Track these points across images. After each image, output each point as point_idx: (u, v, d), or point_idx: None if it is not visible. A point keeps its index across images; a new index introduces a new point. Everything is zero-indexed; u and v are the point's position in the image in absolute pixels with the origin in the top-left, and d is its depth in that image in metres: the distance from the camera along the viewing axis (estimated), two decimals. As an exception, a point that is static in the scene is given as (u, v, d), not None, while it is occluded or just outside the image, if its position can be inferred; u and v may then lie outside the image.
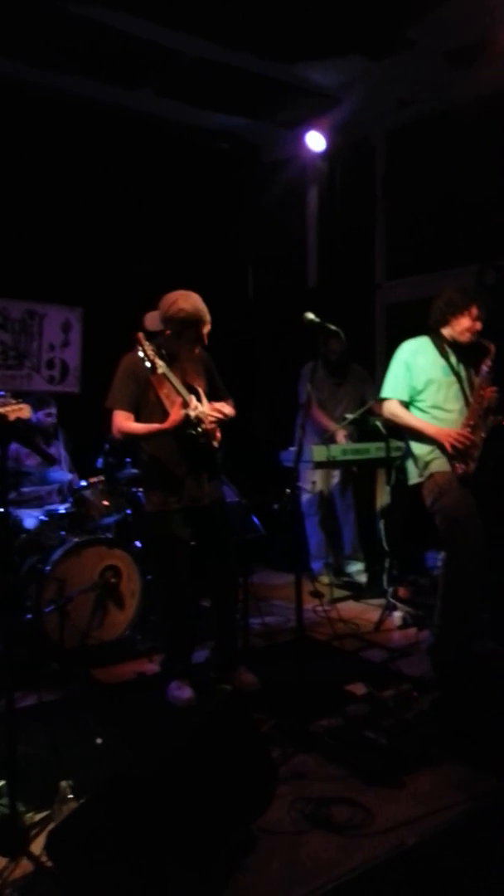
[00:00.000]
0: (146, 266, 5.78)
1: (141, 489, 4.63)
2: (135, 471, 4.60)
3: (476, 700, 3.07)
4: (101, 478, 4.37)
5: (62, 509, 4.32)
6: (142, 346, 3.21)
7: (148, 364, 3.19)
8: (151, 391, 3.34)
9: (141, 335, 3.24)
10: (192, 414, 3.28)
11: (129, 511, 4.47)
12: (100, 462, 4.49)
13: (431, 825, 2.47)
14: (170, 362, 3.31)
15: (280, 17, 4.53)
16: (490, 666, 3.54)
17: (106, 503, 4.33)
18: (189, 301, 3.35)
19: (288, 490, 3.17)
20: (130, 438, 3.40)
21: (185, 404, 3.27)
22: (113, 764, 2.79)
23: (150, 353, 3.20)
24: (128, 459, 4.62)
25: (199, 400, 3.41)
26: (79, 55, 4.98)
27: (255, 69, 5.18)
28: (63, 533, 4.16)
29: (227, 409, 3.52)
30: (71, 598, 3.86)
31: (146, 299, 5.67)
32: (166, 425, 3.25)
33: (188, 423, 3.28)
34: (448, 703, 3.08)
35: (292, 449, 4.55)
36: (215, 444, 3.46)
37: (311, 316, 3.29)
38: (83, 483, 4.37)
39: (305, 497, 5.32)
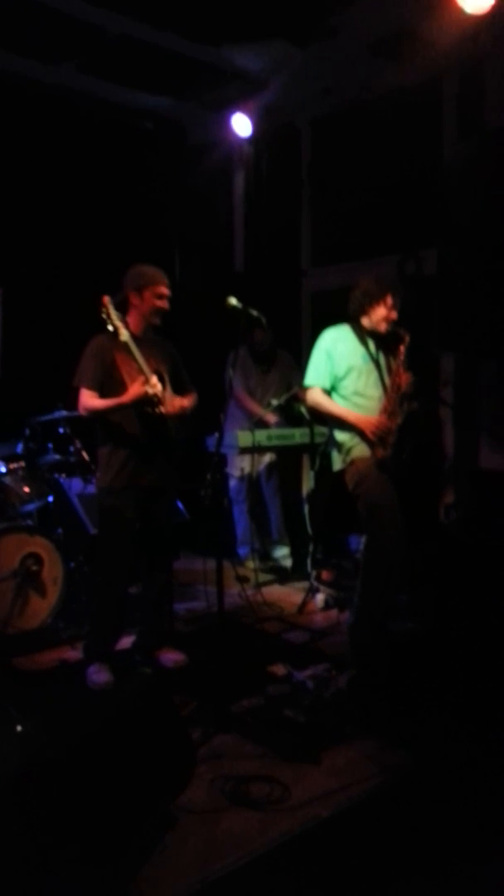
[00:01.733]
0: (69, 247, 5.68)
1: (63, 475, 4.59)
2: (57, 456, 4.54)
3: (390, 677, 3.18)
4: (22, 464, 4.30)
5: (-19, 496, 4.23)
6: (106, 308, 3.27)
7: (111, 328, 3.25)
8: (116, 371, 3.38)
9: (107, 298, 3.29)
10: (151, 391, 3.29)
11: (50, 498, 4.41)
12: (20, 447, 4.41)
13: (345, 798, 2.57)
14: (139, 344, 3.36)
15: (205, -2, 4.49)
16: (405, 644, 3.66)
17: (27, 490, 4.26)
18: (147, 265, 3.50)
19: (209, 476, 3.20)
20: (94, 415, 3.41)
21: (146, 381, 3.29)
22: (31, 749, 2.77)
23: (115, 318, 3.26)
24: (50, 445, 4.56)
25: (164, 384, 3.43)
26: (-2, 28, 4.82)
27: (180, 49, 5.12)
28: (-18, 520, 4.08)
29: (186, 402, 3.55)
30: (-9, 585, 3.80)
31: (70, 281, 5.63)
32: (125, 398, 3.30)
33: (146, 400, 3.31)
34: (363, 680, 3.18)
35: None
36: (172, 429, 3.48)
37: (233, 301, 3.31)
38: (2, 469, 4.29)
39: (233, 483, 5.37)
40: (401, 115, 5.24)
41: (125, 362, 3.37)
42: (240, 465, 5.25)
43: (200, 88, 5.71)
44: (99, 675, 3.42)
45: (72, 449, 4.61)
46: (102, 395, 3.38)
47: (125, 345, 3.29)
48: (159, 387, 3.35)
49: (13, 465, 4.28)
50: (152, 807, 2.38)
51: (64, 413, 4.51)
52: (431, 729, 2.89)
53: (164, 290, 3.46)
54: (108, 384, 3.38)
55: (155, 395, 3.31)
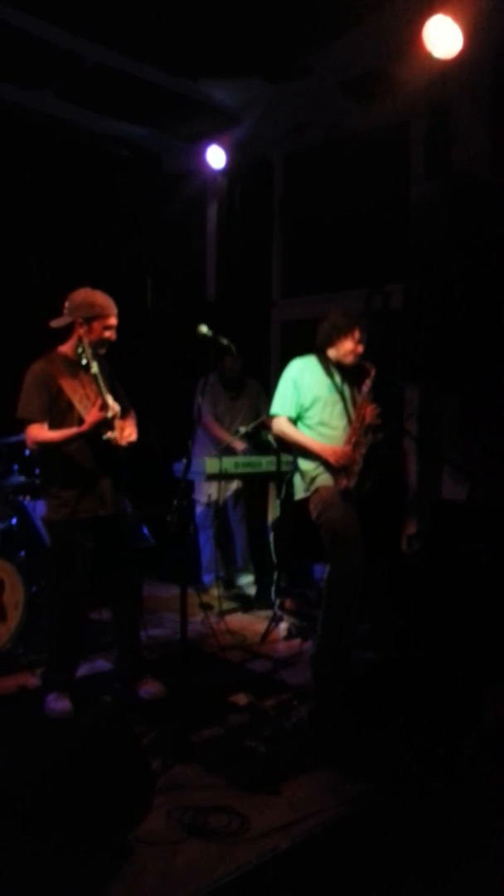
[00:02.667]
0: (42, 271, 5.69)
1: (27, 497, 4.55)
2: (21, 478, 4.51)
3: (350, 708, 3.19)
4: (-14, 486, 4.26)
5: None
6: (81, 343, 3.23)
7: (84, 361, 3.19)
8: (63, 397, 3.31)
9: (83, 331, 3.28)
10: (110, 414, 3.25)
11: (14, 520, 4.37)
12: (-16, 470, 4.38)
13: (304, 829, 2.56)
14: (78, 368, 3.32)
15: (182, 32, 4.58)
16: (366, 674, 3.67)
17: (-10, 512, 4.22)
18: (98, 294, 3.41)
19: (176, 502, 3.20)
20: (46, 448, 3.33)
21: (104, 406, 3.24)
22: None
23: (89, 352, 3.22)
24: (15, 466, 4.52)
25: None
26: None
27: (157, 81, 5.20)
28: None
29: (134, 434, 3.49)
30: (-50, 609, 3.74)
31: (42, 304, 5.61)
32: (84, 427, 3.22)
33: (105, 423, 3.25)
34: (325, 710, 3.18)
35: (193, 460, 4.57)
36: (120, 453, 3.43)
37: (204, 329, 3.34)
38: (-34, 491, 4.25)
39: (200, 509, 5.36)
40: (370, 153, 5.37)
41: (70, 386, 3.31)
42: (207, 492, 5.26)
43: (176, 120, 5.81)
44: (57, 703, 3.37)
45: (37, 471, 4.57)
46: (50, 425, 3.31)
47: (94, 377, 3.24)
48: (117, 407, 3.32)
49: (-23, 488, 4.24)
50: (109, 838, 2.35)
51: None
52: (391, 760, 2.90)
53: (112, 322, 3.40)
54: (55, 411, 3.31)
55: (115, 416, 3.27)
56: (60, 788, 2.27)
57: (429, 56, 4.18)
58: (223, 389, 5.41)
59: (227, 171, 6.12)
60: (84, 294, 3.40)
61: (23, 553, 4.37)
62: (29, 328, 5.42)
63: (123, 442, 3.38)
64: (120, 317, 3.48)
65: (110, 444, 3.31)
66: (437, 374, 3.99)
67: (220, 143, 5.88)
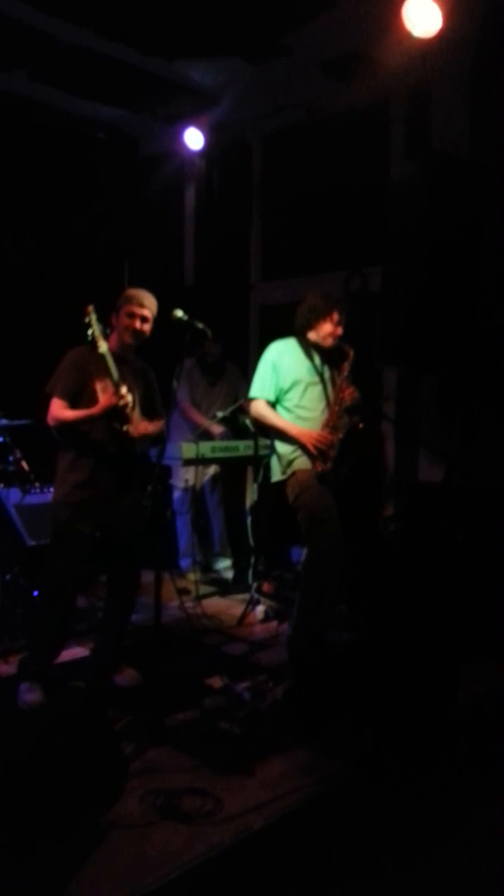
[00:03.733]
0: (17, 255, 5.61)
1: (1, 485, 4.50)
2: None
3: (324, 688, 3.19)
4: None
5: None
6: (89, 317, 3.26)
7: (89, 336, 3.23)
8: (91, 384, 3.34)
9: (91, 307, 3.28)
10: (121, 402, 3.25)
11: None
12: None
13: (277, 809, 2.56)
14: (117, 362, 3.34)
15: (159, 12, 4.50)
16: (342, 655, 3.68)
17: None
18: (138, 289, 3.51)
19: (150, 487, 3.17)
20: (62, 426, 3.34)
21: (116, 392, 3.26)
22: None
23: (96, 328, 3.25)
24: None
25: (133, 405, 3.39)
26: None
27: (133, 62, 5.12)
28: None
29: (151, 427, 3.50)
30: None
31: (19, 289, 5.55)
32: (95, 409, 3.26)
33: (116, 411, 3.26)
34: (299, 691, 3.18)
35: (168, 445, 4.53)
36: (137, 446, 3.44)
37: (179, 313, 3.31)
38: None
39: (177, 494, 5.34)
40: (350, 134, 5.34)
41: (101, 378, 3.33)
42: (184, 477, 5.23)
43: (153, 101, 5.72)
44: (29, 694, 3.32)
45: (11, 458, 4.53)
46: (73, 407, 3.33)
47: (102, 357, 3.27)
48: (129, 398, 3.31)
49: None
50: (81, 821, 2.33)
51: (4, 422, 4.43)
52: (365, 739, 2.91)
53: (135, 310, 3.41)
54: (81, 397, 3.34)
55: (126, 405, 3.27)
56: (31, 773, 2.25)
57: (408, 35, 4.14)
58: (202, 374, 5.38)
59: (205, 153, 6.05)
60: (128, 289, 3.52)
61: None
62: (4, 311, 5.40)
63: (136, 433, 3.37)
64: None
65: (123, 435, 3.33)
66: (414, 356, 3.98)
67: (199, 125, 5.81)
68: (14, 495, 4.45)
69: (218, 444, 5.00)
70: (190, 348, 4.37)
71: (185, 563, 5.35)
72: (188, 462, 4.80)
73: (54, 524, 3.44)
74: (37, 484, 4.53)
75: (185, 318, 3.31)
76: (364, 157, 5.26)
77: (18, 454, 4.53)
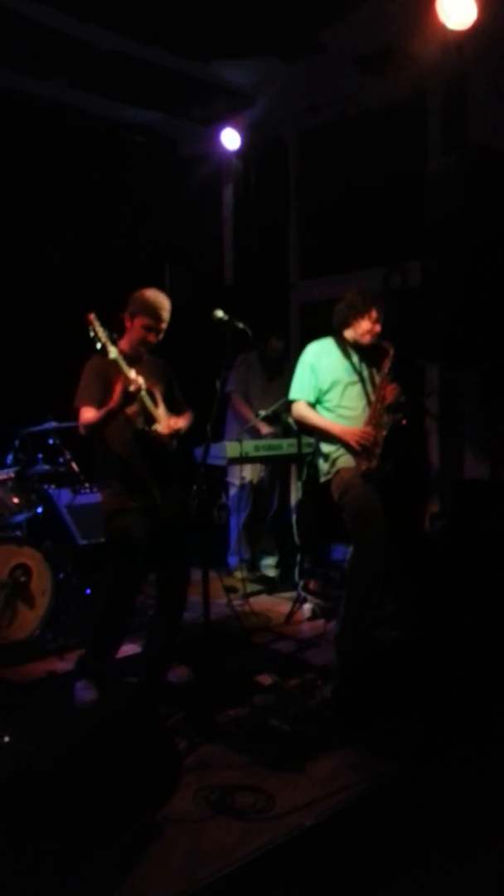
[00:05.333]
0: (60, 259, 5.72)
1: (52, 485, 4.62)
2: (46, 467, 4.56)
3: (374, 686, 3.21)
4: (11, 474, 4.31)
5: (-30, 507, 4.25)
6: (93, 325, 3.22)
7: (99, 346, 3.21)
8: (113, 389, 3.34)
9: (92, 315, 3.25)
10: (132, 388, 3.23)
11: (39, 509, 4.43)
12: (10, 459, 4.44)
13: (329, 806, 2.58)
14: (131, 363, 3.36)
15: (193, 14, 4.55)
16: (390, 653, 3.69)
17: (16, 500, 4.27)
18: (153, 292, 3.45)
19: (195, 486, 3.22)
20: (92, 429, 3.38)
21: (126, 379, 3.25)
22: (17, 760, 2.78)
23: (102, 335, 3.22)
24: (39, 456, 4.58)
25: (154, 402, 3.43)
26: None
27: (169, 65, 5.18)
28: (-29, 531, 4.10)
29: (182, 422, 3.53)
30: (-21, 597, 3.81)
31: (60, 293, 5.66)
32: (112, 404, 3.26)
33: (131, 398, 3.25)
34: (348, 689, 3.20)
35: (213, 445, 4.58)
36: (169, 444, 3.47)
37: (220, 313, 3.34)
38: (-8, 480, 4.31)
39: (233, 492, 5.37)
40: (386, 129, 5.31)
41: (120, 382, 3.32)
42: (240, 474, 5.25)
43: (189, 103, 5.78)
44: (86, 692, 3.39)
45: (61, 460, 4.64)
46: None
47: (114, 362, 3.27)
48: (140, 380, 3.29)
49: (2, 477, 4.29)
50: (138, 816, 2.39)
51: (54, 424, 4.54)
52: (415, 737, 2.91)
53: (151, 323, 3.41)
54: (106, 403, 3.36)
55: (138, 388, 3.25)
56: (88, 769, 2.31)
57: (443, 27, 4.10)
58: (261, 369, 5.40)
59: (241, 153, 6.08)
60: (142, 292, 3.46)
61: (49, 541, 4.43)
62: (49, 315, 5.51)
63: (167, 431, 3.40)
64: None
65: (151, 438, 3.35)
66: (457, 351, 3.95)
67: (235, 125, 5.84)
68: (65, 496, 4.56)
69: (262, 442, 5.03)
70: (231, 346, 4.41)
71: (232, 560, 5.40)
72: (233, 461, 4.84)
73: (108, 531, 3.51)
74: (86, 484, 4.64)
75: (226, 318, 3.33)
76: (400, 151, 5.22)
77: (68, 455, 4.64)
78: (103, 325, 3.27)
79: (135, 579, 3.45)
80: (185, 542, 3.57)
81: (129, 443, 3.40)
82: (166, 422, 3.44)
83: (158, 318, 3.41)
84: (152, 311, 3.40)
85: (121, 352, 3.38)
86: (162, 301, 3.43)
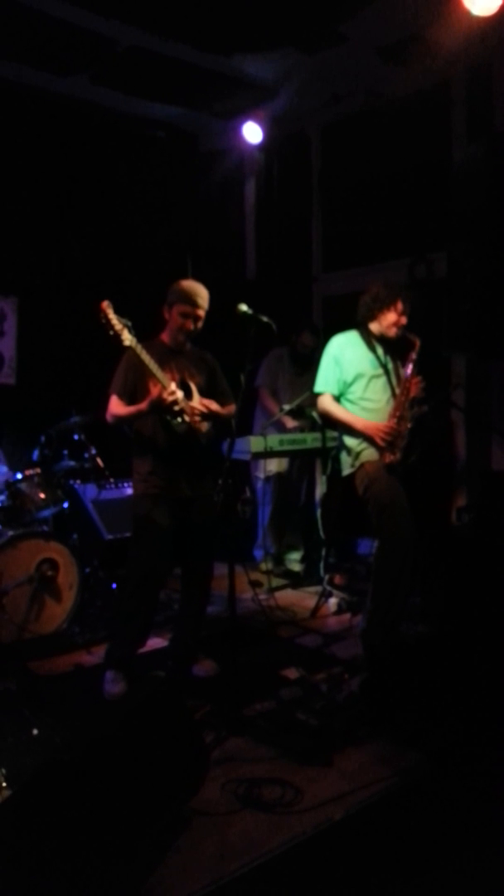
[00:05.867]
0: (83, 255, 5.75)
1: (78, 481, 4.65)
2: (72, 463, 4.59)
3: (401, 680, 3.19)
4: (38, 470, 4.35)
5: (-3, 503, 4.29)
6: (105, 314, 3.18)
7: (111, 333, 3.19)
8: (145, 382, 3.38)
9: (105, 303, 3.20)
10: (169, 399, 3.26)
11: (66, 504, 4.46)
12: (35, 454, 4.47)
13: (357, 800, 2.57)
14: (172, 354, 3.39)
15: (214, 8, 4.54)
16: (417, 647, 3.66)
17: (42, 496, 4.31)
18: (188, 281, 3.49)
19: (220, 481, 3.22)
20: (118, 422, 3.44)
21: (164, 389, 3.27)
22: (47, 752, 2.81)
23: (116, 323, 3.19)
24: (65, 452, 4.61)
25: (189, 396, 3.43)
26: (11, 41, 4.90)
27: (191, 59, 5.18)
28: (-2, 526, 4.14)
29: (215, 405, 3.51)
30: (7, 591, 3.85)
31: (83, 288, 5.68)
32: (143, 405, 3.29)
33: (166, 407, 3.27)
34: (375, 683, 3.19)
35: (238, 439, 4.57)
36: (202, 438, 3.47)
37: (244, 308, 3.33)
38: (18, 476, 4.34)
39: (259, 485, 5.37)
40: (410, 119, 5.26)
41: (153, 376, 3.35)
42: (266, 467, 5.24)
43: (211, 97, 5.78)
44: (114, 685, 3.42)
45: (86, 455, 4.67)
46: (131, 404, 3.40)
47: (130, 349, 3.26)
48: (179, 394, 3.31)
49: (29, 472, 4.33)
50: (166, 809, 2.40)
51: (78, 419, 4.57)
52: (443, 731, 2.89)
53: (188, 310, 3.43)
54: (138, 394, 3.40)
55: (174, 401, 3.27)
56: (118, 760, 2.32)
57: (466, 14, 4.06)
58: (291, 363, 5.39)
59: (264, 146, 6.07)
60: (178, 282, 3.49)
61: (75, 536, 4.47)
62: (72, 311, 5.54)
63: (197, 417, 3.41)
64: (160, 296, 3.50)
65: (176, 428, 3.36)
66: (483, 342, 3.90)
67: (256, 118, 5.83)
68: (90, 491, 4.59)
69: (286, 436, 5.02)
70: (252, 341, 4.40)
71: (258, 554, 5.40)
72: (257, 455, 4.84)
73: (135, 518, 3.52)
74: (112, 479, 4.66)
75: (250, 312, 3.32)
76: (424, 141, 5.18)
77: (93, 451, 4.67)
78: (122, 317, 3.24)
79: (157, 566, 3.46)
80: (210, 537, 3.57)
81: (159, 432, 3.42)
82: (191, 407, 3.40)
83: (194, 304, 3.43)
84: (187, 297, 3.42)
85: (161, 343, 3.38)
86: (197, 288, 3.47)
